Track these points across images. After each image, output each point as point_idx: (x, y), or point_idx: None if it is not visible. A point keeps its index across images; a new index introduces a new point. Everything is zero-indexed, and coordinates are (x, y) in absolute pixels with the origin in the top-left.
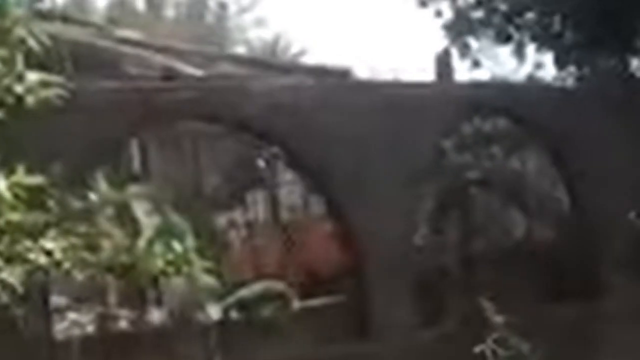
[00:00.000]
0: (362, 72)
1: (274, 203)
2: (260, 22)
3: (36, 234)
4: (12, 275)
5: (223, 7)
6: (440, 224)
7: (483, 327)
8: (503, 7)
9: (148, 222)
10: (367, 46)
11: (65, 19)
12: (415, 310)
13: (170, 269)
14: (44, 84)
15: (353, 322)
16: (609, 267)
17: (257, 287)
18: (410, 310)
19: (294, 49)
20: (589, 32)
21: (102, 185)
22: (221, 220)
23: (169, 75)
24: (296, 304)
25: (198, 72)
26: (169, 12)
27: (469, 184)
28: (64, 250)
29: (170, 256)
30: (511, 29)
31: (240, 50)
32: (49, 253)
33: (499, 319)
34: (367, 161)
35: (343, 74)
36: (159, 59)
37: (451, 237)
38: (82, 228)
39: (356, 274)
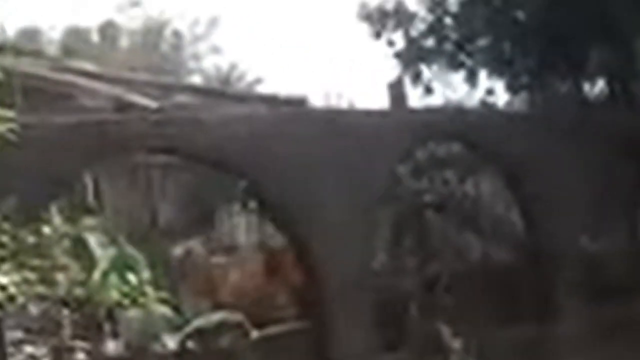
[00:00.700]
0: (317, 100)
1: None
2: (215, 51)
3: None
4: None
5: (178, 35)
6: (397, 248)
7: (441, 351)
8: (454, 35)
9: (103, 254)
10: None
11: (17, 51)
12: (374, 335)
13: (126, 301)
14: None
15: (313, 349)
16: (563, 290)
17: (214, 317)
18: (370, 336)
19: (249, 77)
20: (539, 58)
21: (56, 218)
22: (178, 250)
23: (123, 107)
24: (254, 333)
25: (152, 104)
26: (124, 42)
27: (425, 208)
28: (18, 284)
29: (125, 288)
30: (462, 56)
31: (196, 78)
32: (3, 287)
33: (456, 342)
34: (323, 189)
35: (298, 103)
36: (113, 90)
37: (408, 262)
38: (36, 262)
39: (315, 300)
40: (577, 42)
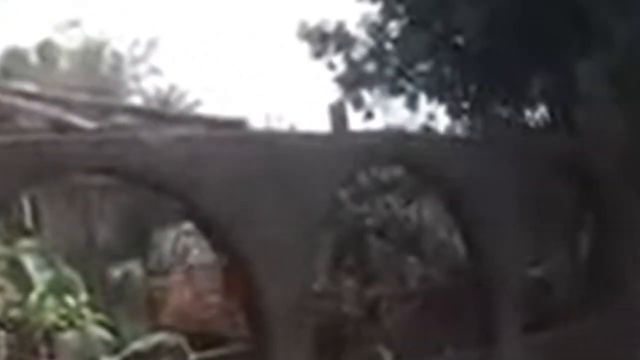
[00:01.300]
0: (257, 122)
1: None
2: (154, 72)
3: None
4: None
5: (117, 56)
6: (338, 271)
7: None
8: (395, 60)
9: (40, 276)
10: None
11: None
12: (315, 358)
13: (63, 323)
14: None
15: None
16: (504, 314)
17: (152, 339)
18: (311, 359)
19: (189, 99)
20: (479, 83)
21: None
22: (116, 271)
23: (62, 127)
24: (192, 356)
25: (90, 124)
26: (63, 63)
27: (366, 232)
28: None
29: (62, 310)
30: (403, 81)
31: (136, 99)
32: None
33: None
34: (264, 212)
35: (238, 125)
36: (52, 111)
37: (349, 285)
38: None
39: (255, 323)
40: (518, 67)
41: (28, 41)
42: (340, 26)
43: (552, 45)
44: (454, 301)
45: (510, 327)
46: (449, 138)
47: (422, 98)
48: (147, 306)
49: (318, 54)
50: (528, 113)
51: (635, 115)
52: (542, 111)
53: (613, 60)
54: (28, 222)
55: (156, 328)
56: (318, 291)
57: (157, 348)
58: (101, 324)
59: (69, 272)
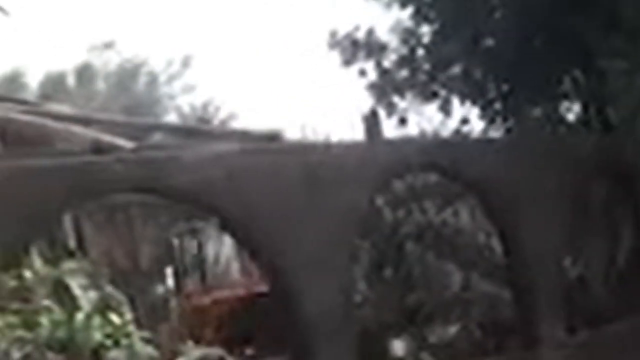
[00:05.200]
0: (292, 133)
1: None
2: (189, 89)
3: None
4: None
5: (153, 75)
6: (377, 280)
7: None
8: (426, 65)
9: (85, 296)
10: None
11: None
12: None
13: (109, 342)
14: None
15: None
16: (545, 317)
17: (195, 354)
18: None
19: (223, 114)
20: (511, 84)
21: (37, 262)
22: (159, 289)
23: (100, 148)
24: None
25: (128, 144)
26: (100, 85)
27: (403, 239)
28: (0, 329)
29: (108, 329)
30: (436, 86)
31: (171, 117)
32: None
33: None
34: (301, 223)
35: (274, 137)
36: (90, 133)
37: (388, 292)
38: (17, 305)
39: (295, 334)
40: (550, 66)
41: (65, 64)
42: (370, 33)
43: (584, 43)
44: (494, 305)
45: (554, 328)
46: (483, 141)
47: (456, 102)
48: (191, 322)
49: (348, 62)
50: (561, 112)
51: None
52: (575, 109)
53: None
54: (71, 242)
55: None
56: (358, 300)
57: None
58: (147, 341)
59: (113, 291)
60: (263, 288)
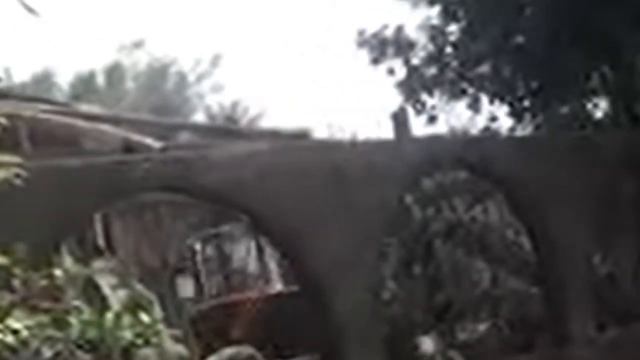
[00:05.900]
0: (321, 131)
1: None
2: (218, 88)
3: (1, 314)
4: None
5: (181, 75)
6: (406, 278)
7: None
8: (455, 63)
9: (115, 295)
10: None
11: (25, 98)
12: None
13: (140, 341)
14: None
15: None
16: (574, 314)
17: (226, 353)
18: None
19: (252, 112)
20: (540, 81)
21: (67, 261)
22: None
23: (129, 148)
24: None
25: (157, 144)
26: (129, 84)
27: (432, 236)
28: (31, 328)
29: (138, 328)
30: (464, 84)
31: (200, 116)
32: (15, 332)
33: None
34: (330, 221)
35: (302, 136)
36: (119, 132)
37: (418, 290)
38: (48, 305)
39: (324, 332)
40: (578, 63)
41: (94, 64)
42: (398, 31)
43: (612, 39)
44: (524, 302)
45: (583, 326)
46: (512, 138)
47: (484, 100)
48: (221, 321)
49: (376, 60)
50: (589, 109)
51: None
52: (603, 106)
53: None
54: (100, 241)
55: (231, 342)
56: (387, 298)
57: None
58: (177, 339)
59: (142, 290)
60: (287, 288)
